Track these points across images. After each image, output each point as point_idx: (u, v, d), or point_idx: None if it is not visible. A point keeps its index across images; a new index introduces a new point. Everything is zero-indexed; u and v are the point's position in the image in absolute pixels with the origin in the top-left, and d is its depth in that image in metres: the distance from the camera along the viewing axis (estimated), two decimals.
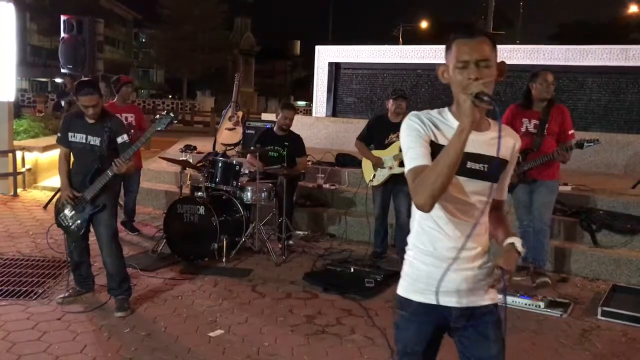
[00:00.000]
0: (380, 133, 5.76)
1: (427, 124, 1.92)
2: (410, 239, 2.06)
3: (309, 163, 7.97)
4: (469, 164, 1.89)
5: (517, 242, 1.94)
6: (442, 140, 1.89)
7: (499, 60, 1.91)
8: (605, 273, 5.47)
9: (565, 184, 6.42)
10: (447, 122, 1.94)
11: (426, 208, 1.82)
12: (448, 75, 1.93)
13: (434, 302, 1.94)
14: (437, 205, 1.88)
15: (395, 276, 5.20)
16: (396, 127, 5.64)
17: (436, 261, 1.95)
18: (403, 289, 2.05)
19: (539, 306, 4.57)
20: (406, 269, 2.05)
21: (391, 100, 5.70)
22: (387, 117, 5.78)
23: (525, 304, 4.61)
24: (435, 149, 1.87)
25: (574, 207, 6.05)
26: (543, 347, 3.93)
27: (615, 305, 4.58)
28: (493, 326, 2.01)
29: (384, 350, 3.76)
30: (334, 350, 3.75)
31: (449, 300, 1.95)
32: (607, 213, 5.92)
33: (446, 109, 1.98)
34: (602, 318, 4.46)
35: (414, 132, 1.90)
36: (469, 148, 1.83)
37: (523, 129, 5.02)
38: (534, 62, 9.32)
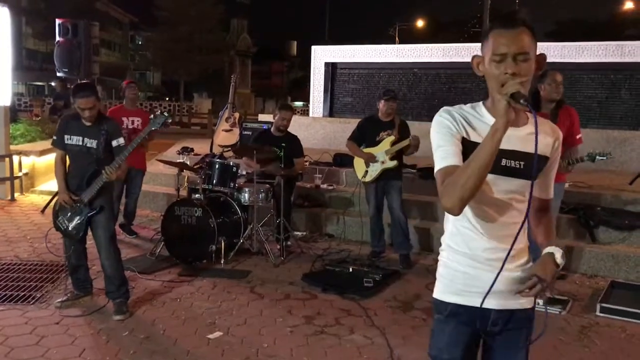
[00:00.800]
0: (372, 132, 5.78)
1: (458, 120, 1.82)
2: (444, 239, 1.97)
3: (307, 163, 7.97)
4: (504, 162, 1.79)
5: (557, 252, 1.83)
6: (474, 138, 1.80)
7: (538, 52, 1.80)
8: (604, 269, 5.48)
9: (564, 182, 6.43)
10: (481, 118, 1.85)
11: (455, 211, 1.73)
12: (484, 68, 1.81)
13: (472, 304, 1.87)
14: (471, 205, 1.81)
15: (394, 276, 5.26)
16: (386, 126, 5.70)
17: (472, 262, 1.87)
18: (439, 291, 1.96)
19: (538, 303, 4.55)
20: (441, 271, 1.96)
21: (382, 101, 5.70)
22: (377, 117, 5.81)
23: None
24: (467, 146, 1.79)
25: (572, 204, 6.05)
26: (542, 344, 3.90)
27: (614, 301, 4.59)
28: (525, 333, 1.95)
29: (383, 350, 3.76)
30: (333, 351, 3.75)
31: (488, 302, 1.84)
32: (605, 210, 5.93)
33: (480, 103, 1.88)
34: (601, 314, 4.46)
35: (445, 129, 1.81)
36: (504, 145, 1.73)
37: None
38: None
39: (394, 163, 5.63)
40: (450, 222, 1.94)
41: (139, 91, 9.87)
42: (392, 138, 5.63)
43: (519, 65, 1.72)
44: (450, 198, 1.70)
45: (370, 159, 5.70)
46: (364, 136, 5.85)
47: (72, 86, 4.39)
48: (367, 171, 5.75)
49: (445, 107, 1.87)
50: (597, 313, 4.48)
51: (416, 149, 5.45)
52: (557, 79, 4.77)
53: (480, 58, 1.84)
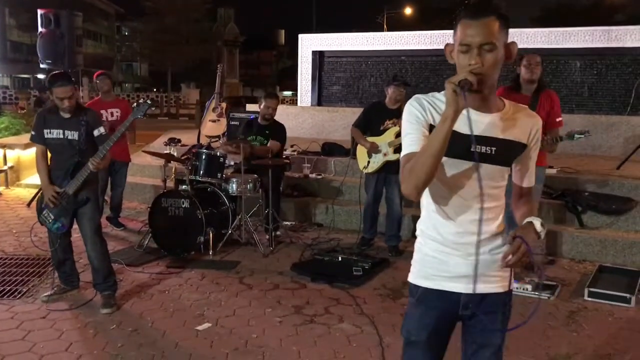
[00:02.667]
0: (377, 119, 5.63)
1: (427, 108, 1.86)
2: (418, 224, 2.01)
3: (295, 152, 7.95)
4: (474, 147, 1.80)
5: (537, 221, 1.83)
6: None
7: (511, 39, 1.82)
8: (592, 254, 5.50)
9: (551, 167, 6.44)
10: None
11: (412, 196, 1.80)
12: (455, 56, 1.84)
13: (441, 288, 1.91)
14: (441, 190, 1.87)
15: (383, 264, 5.25)
16: (393, 114, 5.55)
17: (441, 246, 1.90)
18: (412, 275, 2.01)
19: (527, 289, 4.58)
20: (415, 256, 2.01)
21: (392, 87, 5.53)
22: (384, 103, 5.65)
23: (513, 287, 4.61)
24: None
25: (560, 190, 6.07)
26: (531, 329, 3.93)
27: (602, 285, 4.61)
28: (501, 317, 1.95)
29: (372, 338, 3.76)
30: (323, 340, 3.74)
31: (456, 286, 1.89)
32: (592, 195, 5.95)
33: None
34: (589, 299, 4.48)
35: (413, 117, 1.86)
36: (475, 130, 1.76)
37: None
38: (518, 46, 9.33)
39: (396, 156, 5.43)
40: (423, 207, 1.97)
41: (126, 82, 9.75)
42: (396, 129, 5.44)
43: (484, 56, 1.75)
44: (408, 184, 1.77)
45: (373, 149, 5.56)
46: (369, 123, 5.69)
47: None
48: (369, 162, 5.64)
49: (416, 96, 1.91)
50: (585, 297, 4.50)
51: None
52: (532, 61, 4.81)
53: (452, 46, 1.86)
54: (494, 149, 1.83)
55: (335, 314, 4.18)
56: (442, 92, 1.84)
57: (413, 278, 1.99)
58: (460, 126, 1.76)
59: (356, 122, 5.81)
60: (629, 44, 8.72)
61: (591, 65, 9.16)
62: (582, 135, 4.90)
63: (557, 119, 4.87)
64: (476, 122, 1.78)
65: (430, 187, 1.85)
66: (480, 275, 1.87)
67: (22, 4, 33.66)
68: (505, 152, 1.86)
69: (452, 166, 1.84)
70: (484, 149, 1.83)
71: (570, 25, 9.63)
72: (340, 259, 5.29)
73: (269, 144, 6.02)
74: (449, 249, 1.88)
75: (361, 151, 5.74)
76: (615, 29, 9.02)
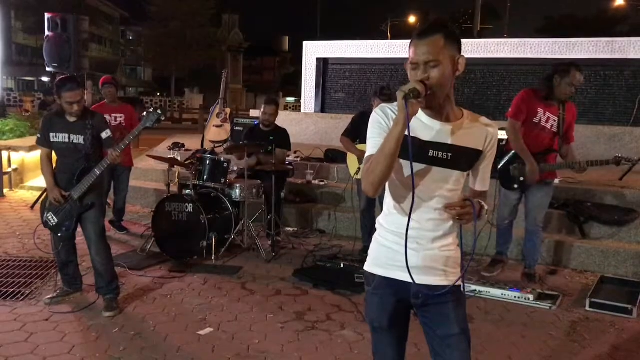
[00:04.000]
0: (366, 128, 5.69)
1: (389, 116, 2.03)
2: (379, 219, 2.18)
3: (298, 159, 7.97)
4: (432, 152, 1.99)
5: (486, 205, 2.08)
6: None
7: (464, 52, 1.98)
8: (594, 265, 5.51)
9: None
10: None
11: (370, 193, 1.98)
12: (408, 72, 2.01)
13: (394, 277, 2.07)
14: (401, 190, 2.05)
15: None
16: None
17: (397, 239, 2.05)
18: (367, 264, 2.19)
19: (528, 299, 4.59)
20: (372, 246, 2.18)
21: (377, 100, 5.56)
22: (371, 113, 5.72)
23: (515, 297, 4.63)
24: None
25: (562, 200, 6.08)
26: (532, 339, 3.95)
27: (603, 296, 4.61)
28: (453, 306, 2.07)
29: None
30: (324, 346, 3.75)
31: (406, 276, 2.01)
32: (594, 205, 5.96)
33: None
34: (591, 309, 4.49)
35: (376, 124, 2.05)
36: (433, 137, 1.98)
37: (536, 120, 4.71)
38: (521, 56, 9.38)
39: None
40: (385, 204, 2.16)
41: (130, 87, 9.81)
42: None
43: (430, 72, 1.93)
44: (365, 181, 1.98)
45: (362, 157, 5.65)
46: (358, 132, 5.77)
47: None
48: (359, 168, 5.72)
49: (381, 105, 2.11)
50: (587, 308, 4.51)
51: None
52: (580, 79, 4.56)
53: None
54: (449, 154, 2.00)
55: (337, 320, 4.18)
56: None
57: (368, 266, 2.18)
58: (417, 132, 1.96)
59: (345, 131, 5.88)
60: (632, 55, 8.74)
61: (594, 76, 9.17)
62: (630, 163, 4.70)
63: (573, 133, 4.85)
64: (432, 130, 1.99)
65: (390, 186, 2.08)
66: (429, 268, 2.05)
67: (28, 7, 33.81)
68: (460, 158, 2.02)
69: (408, 167, 1.95)
70: (440, 154, 2.00)
71: (572, 36, 9.65)
72: (342, 266, 5.31)
73: (276, 152, 6.06)
74: (402, 240, 2.00)
75: (352, 158, 5.86)
76: (618, 40, 9.04)
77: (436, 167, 2.00)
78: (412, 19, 43.60)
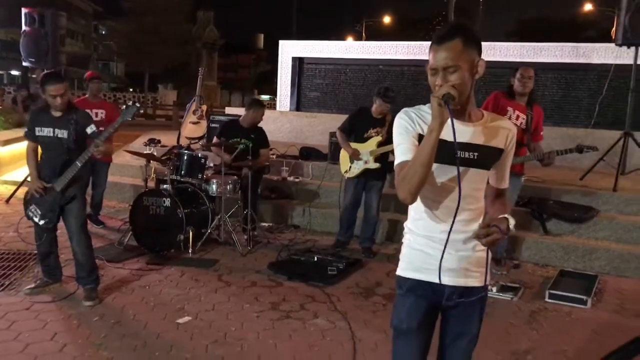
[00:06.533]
0: (361, 126, 5.78)
1: (415, 120, 2.05)
2: (407, 224, 2.19)
3: (273, 156, 8.13)
4: (460, 153, 1.98)
5: (512, 220, 2.02)
6: None
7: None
8: (555, 259, 5.80)
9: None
10: None
11: (407, 201, 1.99)
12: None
13: (428, 280, 2.08)
14: (430, 192, 2.05)
15: (356, 264, 5.47)
16: (377, 122, 5.71)
17: (429, 242, 2.08)
18: (400, 269, 2.18)
19: (492, 290, 4.84)
20: (404, 251, 2.19)
21: (379, 100, 5.64)
22: (370, 111, 5.77)
23: None
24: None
25: (527, 198, 6.36)
26: (494, 327, 4.18)
27: (562, 288, 4.88)
28: (479, 308, 2.16)
29: (345, 333, 3.96)
30: (298, 334, 3.93)
31: (442, 279, 2.06)
32: (557, 203, 6.26)
33: None
34: (550, 300, 4.75)
35: (402, 129, 2.05)
36: (460, 138, 1.95)
37: (506, 117, 4.92)
38: (491, 59, 9.65)
39: (376, 165, 5.67)
40: (412, 209, 2.16)
41: (103, 82, 9.82)
42: (379, 138, 5.64)
43: (448, 77, 1.95)
44: (403, 191, 1.97)
45: (354, 156, 5.73)
46: (354, 128, 5.84)
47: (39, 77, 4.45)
48: (350, 167, 5.81)
49: (404, 109, 2.11)
50: (546, 299, 4.77)
51: None
52: (525, 74, 5.05)
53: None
54: (476, 154, 2.04)
55: (310, 310, 4.37)
56: (428, 105, 2.05)
57: (401, 271, 2.18)
58: (445, 135, 1.93)
59: (342, 126, 5.92)
60: (595, 60, 9.13)
61: (560, 80, 9.54)
62: (590, 150, 5.10)
63: (541, 133, 5.24)
64: (460, 131, 1.96)
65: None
66: (463, 270, 2.09)
67: None
68: (486, 157, 2.07)
69: (440, 171, 2.03)
70: (467, 154, 2.03)
71: (543, 40, 10.00)
72: (315, 259, 5.49)
73: (262, 153, 6.26)
74: (437, 244, 2.05)
75: (344, 155, 5.91)
76: (583, 45, 9.42)
77: (463, 167, 2.01)
78: (386, 19, 44.00)
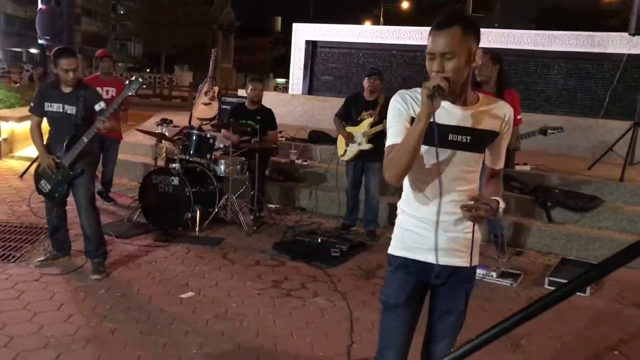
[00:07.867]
0: (355, 109, 5.88)
1: (409, 102, 2.09)
2: (399, 204, 2.25)
3: (282, 139, 8.20)
4: (451, 136, 2.05)
5: (502, 203, 2.11)
6: None
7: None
8: (557, 247, 5.82)
9: (525, 164, 6.77)
10: None
11: (393, 183, 2.05)
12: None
13: (418, 258, 2.15)
14: (422, 175, 2.10)
15: (359, 247, 5.54)
16: (369, 105, 5.79)
17: (420, 223, 2.14)
18: (392, 247, 2.25)
19: (492, 276, 4.89)
20: (396, 231, 2.25)
21: (366, 79, 5.82)
22: (362, 94, 5.90)
23: (480, 274, 4.91)
24: None
25: (532, 185, 6.38)
26: (491, 312, 4.24)
27: (562, 276, 4.91)
28: (466, 287, 2.22)
29: (343, 312, 4.05)
30: (298, 311, 4.03)
31: (431, 258, 2.12)
32: (561, 191, 6.26)
33: None
34: (549, 287, 4.79)
35: (396, 111, 2.10)
36: (452, 121, 2.03)
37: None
38: (505, 46, 9.59)
39: (369, 146, 5.73)
40: (404, 190, 2.22)
41: (120, 62, 9.92)
42: (370, 120, 5.71)
43: (445, 64, 1.99)
44: (389, 173, 2.04)
45: (349, 139, 5.84)
46: (349, 113, 5.95)
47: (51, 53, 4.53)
48: (346, 150, 5.93)
49: (400, 91, 2.14)
50: (546, 286, 4.81)
51: None
52: (479, 62, 4.93)
53: None
54: (469, 137, 2.07)
55: (311, 289, 4.46)
56: None
57: (392, 249, 2.24)
58: (436, 119, 1.97)
59: (338, 111, 6.06)
60: (610, 49, 9.03)
61: (574, 69, 9.46)
62: (555, 131, 5.15)
63: (518, 117, 5.13)
64: (451, 114, 2.03)
65: (410, 171, 2.06)
66: (451, 250, 2.14)
67: None
68: (478, 141, 2.10)
69: (430, 154, 2.07)
70: (459, 137, 2.06)
71: (562, 28, 9.89)
72: (319, 240, 5.58)
73: (270, 134, 6.33)
74: (427, 225, 2.12)
75: (340, 140, 6.04)
76: (599, 34, 9.31)
77: (456, 151, 2.07)
78: (405, 5, 43.56)
